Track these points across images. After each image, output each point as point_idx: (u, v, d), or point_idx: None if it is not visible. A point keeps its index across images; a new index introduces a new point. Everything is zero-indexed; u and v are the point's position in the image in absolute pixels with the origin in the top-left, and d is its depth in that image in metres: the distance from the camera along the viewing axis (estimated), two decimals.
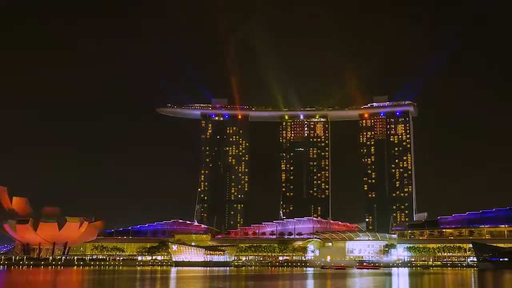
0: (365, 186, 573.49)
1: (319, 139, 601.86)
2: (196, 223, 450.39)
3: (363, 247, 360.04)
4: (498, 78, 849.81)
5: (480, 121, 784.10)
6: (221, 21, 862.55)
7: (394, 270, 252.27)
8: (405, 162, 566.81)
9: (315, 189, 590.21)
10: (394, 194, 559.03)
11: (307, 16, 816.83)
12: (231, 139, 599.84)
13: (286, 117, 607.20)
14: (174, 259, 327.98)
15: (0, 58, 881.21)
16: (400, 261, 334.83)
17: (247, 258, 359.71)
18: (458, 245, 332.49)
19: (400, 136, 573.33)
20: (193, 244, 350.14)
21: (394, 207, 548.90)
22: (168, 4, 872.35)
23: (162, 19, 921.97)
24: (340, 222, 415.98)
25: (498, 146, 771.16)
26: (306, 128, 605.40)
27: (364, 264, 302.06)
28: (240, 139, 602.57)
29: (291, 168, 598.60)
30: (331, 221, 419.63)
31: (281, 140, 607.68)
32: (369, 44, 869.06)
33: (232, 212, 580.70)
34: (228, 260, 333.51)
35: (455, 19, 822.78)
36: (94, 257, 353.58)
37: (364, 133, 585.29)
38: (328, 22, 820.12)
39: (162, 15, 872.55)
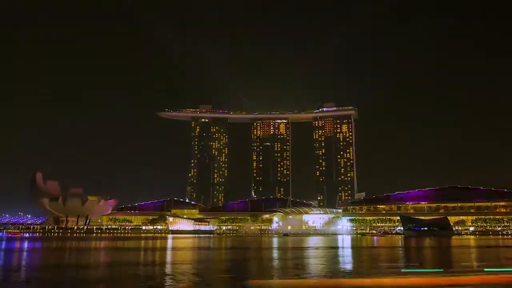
0: (317, 172, 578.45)
1: (282, 136, 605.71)
2: (187, 201, 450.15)
3: (315, 219, 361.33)
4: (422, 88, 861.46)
5: (404, 121, 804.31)
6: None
7: (340, 236, 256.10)
8: (348, 154, 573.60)
9: (279, 174, 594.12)
10: (339, 178, 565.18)
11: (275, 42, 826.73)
12: (214, 136, 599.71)
13: (257, 119, 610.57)
14: (170, 228, 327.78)
15: None
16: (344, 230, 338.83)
17: (226, 228, 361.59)
18: (388, 217, 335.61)
19: (344, 134, 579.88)
20: (185, 217, 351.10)
21: (340, 188, 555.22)
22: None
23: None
24: (298, 200, 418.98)
25: (420, 141, 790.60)
26: (272, 127, 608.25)
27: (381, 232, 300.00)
28: (221, 136, 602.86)
29: (261, 158, 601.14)
30: (291, 199, 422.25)
31: (252, 137, 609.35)
32: (322, 62, 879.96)
33: (215, 192, 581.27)
34: (212, 229, 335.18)
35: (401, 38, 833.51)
36: (109, 226, 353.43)
37: (317, 131, 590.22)
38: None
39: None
